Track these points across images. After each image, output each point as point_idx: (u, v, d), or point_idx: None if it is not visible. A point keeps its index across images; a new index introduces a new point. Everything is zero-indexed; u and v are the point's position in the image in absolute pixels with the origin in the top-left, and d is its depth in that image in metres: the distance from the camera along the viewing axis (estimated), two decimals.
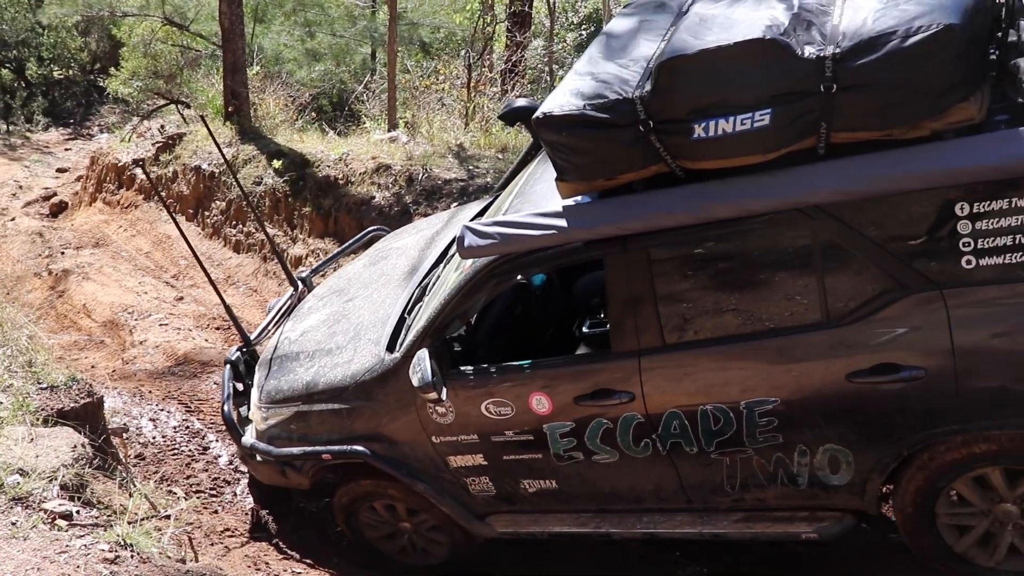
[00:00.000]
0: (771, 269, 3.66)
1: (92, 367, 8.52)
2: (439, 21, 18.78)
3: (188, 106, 17.15)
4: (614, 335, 3.97)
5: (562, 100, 3.55)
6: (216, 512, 5.33)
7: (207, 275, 5.38)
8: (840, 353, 3.56)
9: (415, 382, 4.04)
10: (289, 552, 4.98)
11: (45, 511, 3.66)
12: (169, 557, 3.56)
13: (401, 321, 4.67)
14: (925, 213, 3.33)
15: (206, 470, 5.77)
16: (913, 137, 3.19)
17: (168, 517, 4.06)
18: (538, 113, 3.58)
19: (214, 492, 5.57)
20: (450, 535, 4.78)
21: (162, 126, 16.71)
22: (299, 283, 5.92)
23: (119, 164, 14.19)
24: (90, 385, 4.56)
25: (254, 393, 5.11)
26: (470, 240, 3.89)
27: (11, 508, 3.63)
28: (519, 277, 4.25)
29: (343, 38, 18.71)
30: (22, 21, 24.07)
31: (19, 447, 3.97)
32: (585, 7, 19.05)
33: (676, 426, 3.92)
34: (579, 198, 3.77)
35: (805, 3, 3.29)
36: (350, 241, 6.63)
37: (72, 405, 4.39)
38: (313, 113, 15.66)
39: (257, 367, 5.25)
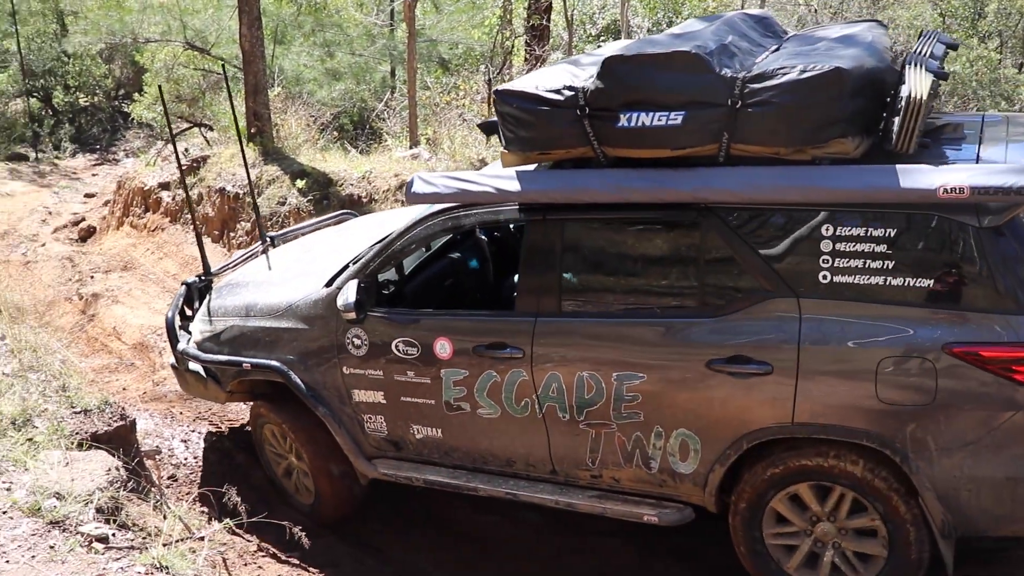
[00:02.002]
0: (662, 257, 4.14)
1: (123, 389, 8.59)
2: (457, 37, 18.87)
3: (211, 128, 17.32)
4: (519, 295, 4.41)
5: (525, 82, 4.12)
6: (249, 532, 5.34)
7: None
8: (706, 341, 3.93)
9: (339, 303, 4.67)
10: (321, 572, 4.97)
11: (82, 534, 3.70)
12: None
13: (345, 267, 5.12)
14: (798, 228, 3.76)
15: (238, 490, 5.78)
16: (796, 159, 3.66)
17: (202, 539, 4.09)
18: (497, 87, 4.17)
19: (248, 513, 5.58)
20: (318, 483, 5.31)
21: (186, 149, 16.88)
22: (267, 239, 6.45)
23: (145, 188, 14.33)
24: (122, 408, 4.61)
25: (200, 311, 5.74)
26: (417, 186, 4.38)
27: (48, 532, 3.68)
28: (450, 234, 4.89)
29: (362, 56, 18.85)
30: (48, 51, 24.40)
31: (55, 471, 4.02)
32: (603, 19, 19.08)
33: (554, 389, 4.27)
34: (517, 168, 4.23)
35: (737, 44, 4.00)
36: (319, 219, 7.34)
37: (105, 428, 4.44)
38: (334, 132, 15.75)
39: (210, 293, 5.86)
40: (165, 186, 14.03)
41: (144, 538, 3.90)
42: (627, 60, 3.81)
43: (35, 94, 24.64)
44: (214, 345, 5.45)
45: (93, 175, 21.35)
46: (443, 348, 4.54)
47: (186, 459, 6.10)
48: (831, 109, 3.52)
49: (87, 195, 18.83)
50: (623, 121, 3.80)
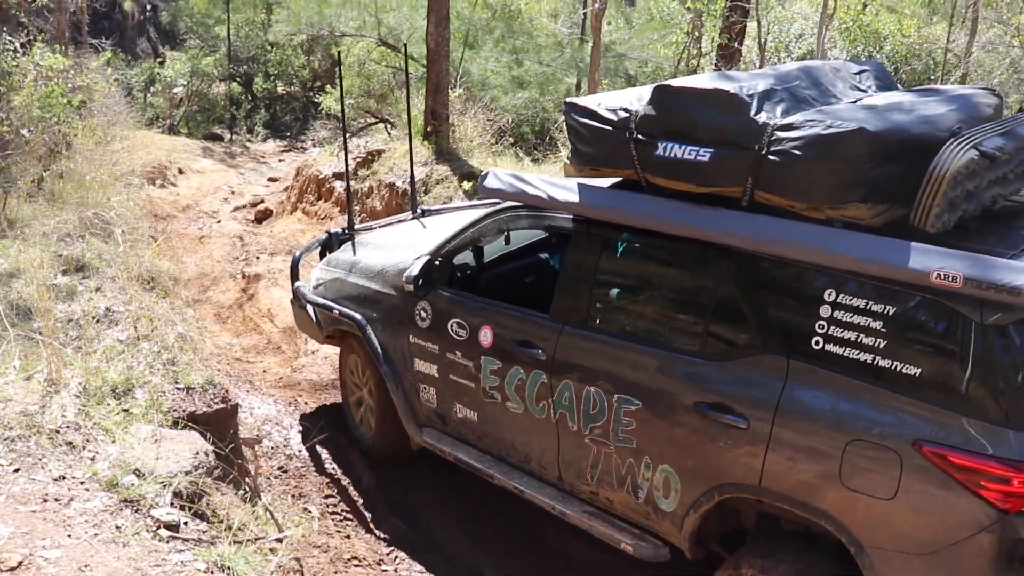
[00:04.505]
0: (679, 291, 4.21)
1: (264, 371, 8.58)
2: (647, 55, 18.41)
3: (393, 125, 17.51)
4: (555, 301, 4.54)
5: (593, 99, 4.30)
6: (348, 537, 5.08)
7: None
8: (698, 382, 3.90)
9: (404, 275, 5.11)
10: None
11: (152, 518, 3.48)
12: None
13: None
14: (803, 288, 3.67)
15: (346, 491, 5.54)
16: (811, 216, 3.57)
17: (280, 540, 3.80)
18: (567, 99, 4.43)
19: (350, 516, 5.33)
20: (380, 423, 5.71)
21: (367, 143, 17.15)
22: (419, 210, 6.92)
23: (320, 176, 14.58)
24: (226, 391, 4.41)
25: (324, 259, 6.39)
26: (489, 181, 4.74)
27: (120, 510, 3.48)
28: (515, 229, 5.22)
29: (549, 67, 18.65)
30: (254, 39, 25.53)
31: (141, 447, 3.84)
32: (800, 48, 18.16)
33: (567, 397, 4.35)
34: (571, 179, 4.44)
35: (796, 91, 3.91)
36: (473, 201, 7.78)
37: (204, 409, 4.24)
38: (511, 139, 15.57)
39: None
40: (339, 176, 14.19)
41: (219, 532, 3.64)
42: (675, 91, 3.92)
43: (237, 79, 25.80)
44: (323, 290, 6.07)
45: (280, 160, 22.09)
46: (486, 336, 4.78)
47: (300, 451, 5.90)
48: (850, 171, 3.42)
49: (270, 179, 19.43)
50: (661, 150, 3.88)
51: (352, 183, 13.61)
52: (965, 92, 4.20)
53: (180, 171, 19.55)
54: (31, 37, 11.09)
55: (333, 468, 5.78)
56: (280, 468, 5.64)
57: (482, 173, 4.76)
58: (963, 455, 3.15)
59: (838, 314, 3.53)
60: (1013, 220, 3.75)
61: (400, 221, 6.98)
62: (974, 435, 3.16)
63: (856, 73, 4.39)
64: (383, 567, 4.85)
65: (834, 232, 3.50)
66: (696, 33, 15.94)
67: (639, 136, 3.96)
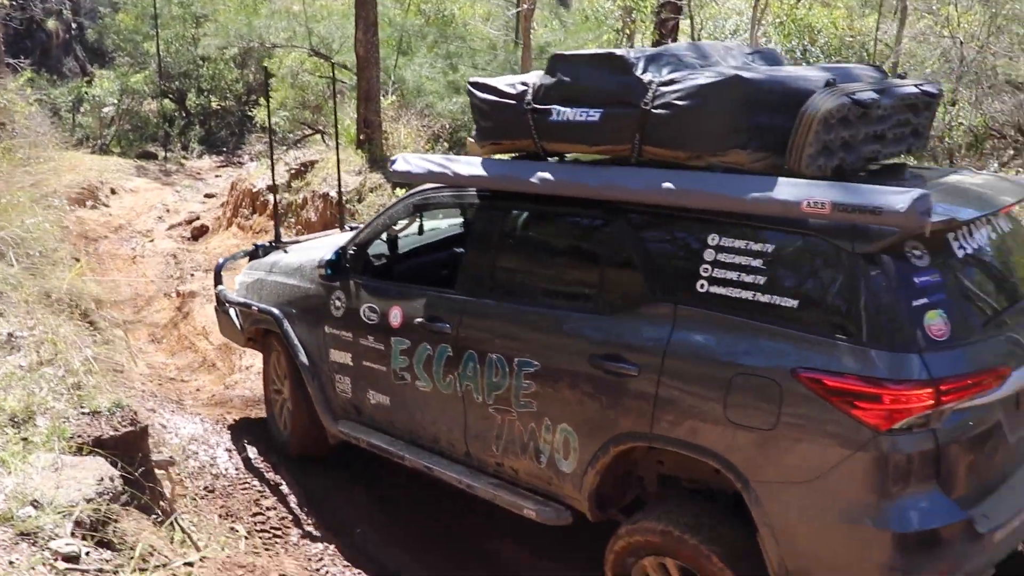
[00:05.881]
0: (573, 252, 4.38)
1: (197, 390, 8.40)
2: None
3: (329, 135, 17.31)
4: (459, 274, 4.63)
5: (497, 79, 4.42)
6: (277, 555, 4.89)
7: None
8: (592, 336, 3.92)
9: (318, 261, 5.31)
10: None
11: (51, 550, 3.28)
12: None
13: None
14: (688, 236, 3.75)
15: (274, 508, 5.37)
16: (695, 165, 3.71)
17: (190, 564, 3.63)
18: (470, 79, 4.56)
19: (279, 532, 5.15)
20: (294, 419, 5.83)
21: (305, 155, 16.92)
22: (347, 227, 7.01)
23: (254, 190, 14.33)
24: (135, 413, 4.19)
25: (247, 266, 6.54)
26: (398, 165, 4.80)
27: (15, 545, 3.27)
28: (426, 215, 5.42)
29: (484, 70, 18.57)
30: (185, 54, 25.16)
31: (40, 477, 3.63)
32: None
33: (471, 368, 4.39)
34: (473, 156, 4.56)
35: (683, 58, 4.02)
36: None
37: (112, 433, 4.03)
38: (446, 144, 15.45)
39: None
40: (272, 189, 13.95)
41: (126, 560, 3.45)
42: (567, 58, 4.08)
43: (169, 95, 25.38)
44: (243, 291, 6.25)
45: (216, 176, 21.75)
46: (396, 317, 4.83)
47: (227, 470, 5.72)
48: (729, 118, 3.56)
49: (207, 195, 19.10)
50: (554, 115, 4.02)
51: (286, 195, 13.44)
52: (849, 65, 4.39)
53: (112, 191, 19.13)
54: None
55: (262, 486, 5.59)
56: (206, 488, 5.44)
57: (390, 161, 4.90)
58: (836, 378, 3.21)
59: (721, 257, 3.59)
60: (895, 175, 3.90)
61: (328, 235, 7.10)
62: (847, 358, 3.22)
63: (748, 54, 4.47)
64: None
65: (713, 176, 3.60)
66: (627, 31, 15.94)
67: (535, 106, 4.09)
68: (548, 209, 4.33)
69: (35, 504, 3.48)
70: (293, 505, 5.43)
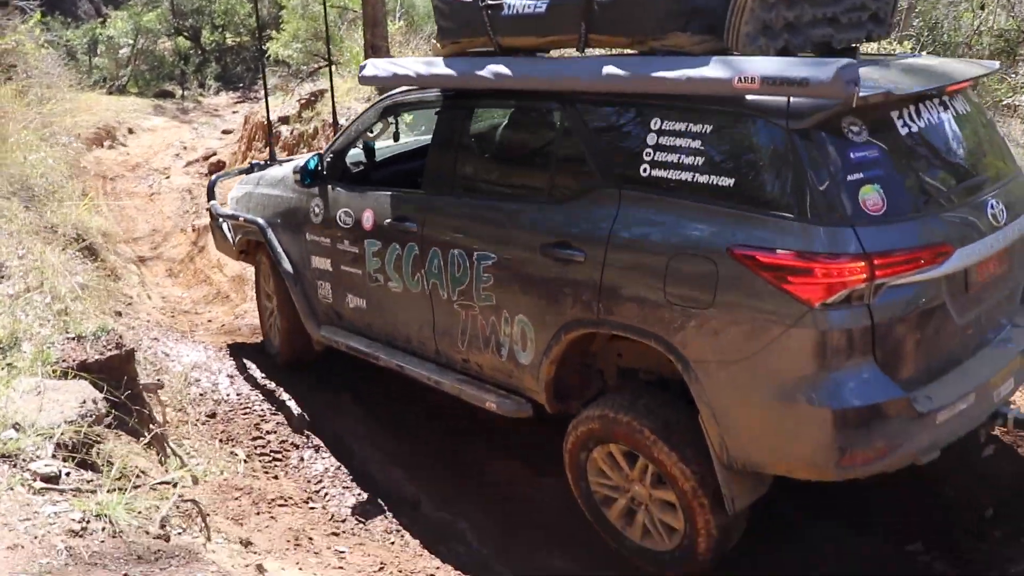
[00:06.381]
0: (528, 144, 4.49)
1: (209, 321, 8.44)
2: None
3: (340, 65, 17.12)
4: (425, 174, 4.73)
5: None
6: (276, 478, 4.94)
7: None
8: (543, 226, 3.98)
9: (296, 167, 5.42)
10: (341, 526, 4.51)
11: (30, 471, 3.31)
12: (147, 532, 3.13)
13: None
14: (634, 121, 3.77)
15: (275, 431, 5.40)
16: (638, 50, 3.77)
17: (172, 484, 3.65)
18: None
19: (279, 456, 5.19)
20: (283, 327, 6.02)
21: (317, 86, 16.75)
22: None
23: (265, 123, 14.23)
24: (120, 336, 4.20)
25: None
26: (367, 70, 4.90)
27: None
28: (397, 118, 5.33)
29: None
30: None
31: (23, 400, 3.65)
32: None
33: (436, 265, 4.50)
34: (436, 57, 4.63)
35: None
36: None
37: (96, 357, 4.04)
38: None
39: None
40: (284, 120, 13.89)
41: (112, 481, 3.47)
42: None
43: (184, 33, 25.19)
44: (234, 204, 6.37)
45: (234, 112, 21.63)
46: (368, 220, 4.94)
47: (228, 395, 5.75)
48: (667, 1, 3.54)
49: (224, 131, 19.04)
50: (506, 9, 4.08)
51: (297, 125, 13.37)
52: None
53: (130, 131, 19.15)
54: None
55: (263, 410, 5.63)
56: (208, 414, 5.49)
57: (360, 66, 5.03)
58: (769, 253, 3.22)
59: (663, 140, 3.61)
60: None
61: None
62: (780, 234, 3.23)
63: None
64: (311, 504, 4.71)
65: (652, 59, 3.61)
66: None
67: (489, 2, 4.14)
68: (502, 103, 4.51)
69: (16, 427, 3.51)
70: (294, 429, 5.46)
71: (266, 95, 7.83)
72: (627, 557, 4.10)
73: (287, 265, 5.63)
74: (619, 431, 3.79)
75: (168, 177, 15.07)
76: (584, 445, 4.01)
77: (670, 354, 3.53)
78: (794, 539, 4.21)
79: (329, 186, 5.28)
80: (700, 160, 3.49)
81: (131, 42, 24.71)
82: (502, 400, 4.35)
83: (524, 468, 5.00)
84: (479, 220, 4.34)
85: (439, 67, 4.47)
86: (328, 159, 5.33)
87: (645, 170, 3.65)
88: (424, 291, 4.62)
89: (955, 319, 3.46)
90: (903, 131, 3.49)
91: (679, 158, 3.54)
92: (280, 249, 5.68)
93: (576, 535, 4.36)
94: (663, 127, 3.61)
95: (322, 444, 5.33)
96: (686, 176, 3.52)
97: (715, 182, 3.43)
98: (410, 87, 4.86)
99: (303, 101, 13.76)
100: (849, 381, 3.20)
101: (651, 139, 3.65)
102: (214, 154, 16.55)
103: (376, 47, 12.85)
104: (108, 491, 3.26)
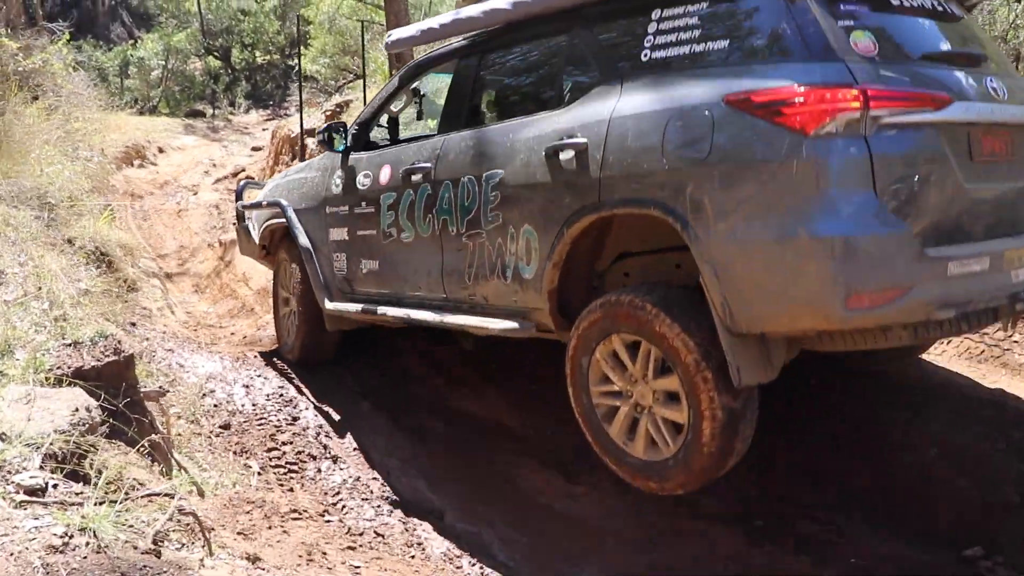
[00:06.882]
0: (539, 66, 4.56)
1: (232, 334, 8.28)
2: None
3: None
4: (441, 122, 4.95)
5: None
6: (291, 490, 4.68)
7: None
8: (548, 130, 4.04)
9: (318, 137, 5.62)
10: (358, 540, 4.25)
11: (14, 484, 3.07)
12: (135, 548, 2.87)
13: None
14: (635, 18, 3.91)
15: (291, 442, 5.14)
16: None
17: (168, 495, 3.39)
18: None
19: (295, 467, 4.93)
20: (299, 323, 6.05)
21: (344, 98, 16.69)
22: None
23: (292, 136, 14.18)
24: (118, 342, 3.97)
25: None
26: (392, 37, 5.33)
27: None
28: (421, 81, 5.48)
29: None
30: (225, 9, 24.97)
31: (10, 409, 3.42)
32: None
33: (447, 199, 4.56)
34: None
35: None
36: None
37: (93, 364, 3.80)
38: None
39: None
40: (310, 132, 13.79)
41: (100, 493, 3.23)
42: None
43: (214, 52, 25.28)
44: (260, 197, 6.47)
45: (263, 130, 21.65)
46: (384, 174, 5.05)
47: (244, 406, 5.51)
48: None
49: (254, 148, 19.05)
50: None
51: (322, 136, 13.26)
52: None
53: (160, 150, 19.18)
54: None
55: (279, 421, 5.38)
56: (222, 425, 5.24)
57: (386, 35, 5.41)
58: (762, 92, 3.26)
59: (663, 25, 3.75)
60: None
61: None
62: (773, 76, 3.29)
63: None
64: (327, 517, 4.44)
65: None
66: None
67: None
68: (513, 36, 4.59)
69: (2, 437, 3.28)
70: (311, 439, 5.21)
71: (301, 107, 7.91)
72: (631, 483, 3.97)
73: (304, 240, 5.73)
74: (621, 313, 3.74)
75: (196, 194, 15.02)
76: (587, 346, 3.94)
77: (669, 216, 3.48)
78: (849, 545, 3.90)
79: (352, 155, 5.43)
80: (696, 32, 3.63)
81: (162, 63, 24.84)
82: (505, 322, 4.34)
83: (555, 477, 4.72)
84: (489, 143, 4.42)
85: (459, 14, 4.73)
86: (353, 131, 5.47)
87: (645, 55, 3.80)
88: (435, 232, 4.70)
89: (962, 183, 3.36)
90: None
91: (677, 36, 3.69)
92: (298, 224, 5.80)
93: (610, 548, 4.07)
94: (664, 15, 3.77)
95: (340, 454, 5.07)
96: (683, 50, 3.65)
97: (710, 47, 3.57)
98: (431, 40, 5.18)
99: (329, 113, 13.67)
100: (848, 209, 3.15)
101: (652, 27, 3.80)
102: (243, 170, 16.51)
103: (401, 57, 12.68)
104: (96, 504, 3.01)
